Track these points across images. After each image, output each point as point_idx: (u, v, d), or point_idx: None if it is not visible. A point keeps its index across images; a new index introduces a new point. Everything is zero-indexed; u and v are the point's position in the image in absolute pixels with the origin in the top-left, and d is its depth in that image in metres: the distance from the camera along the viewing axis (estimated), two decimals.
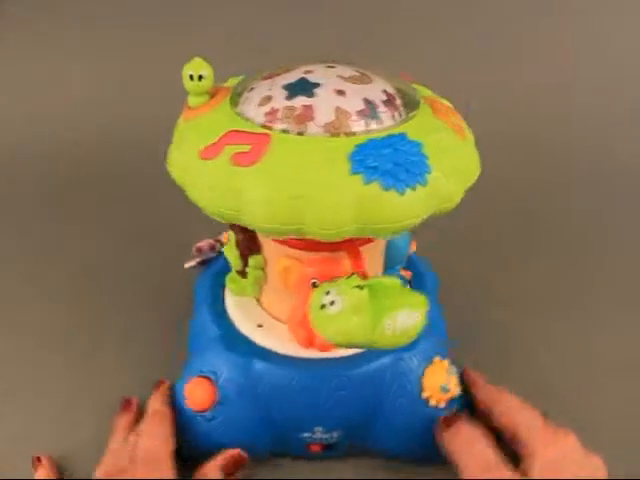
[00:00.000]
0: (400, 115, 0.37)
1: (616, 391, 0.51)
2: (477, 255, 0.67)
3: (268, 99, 0.36)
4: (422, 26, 0.94)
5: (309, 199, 0.32)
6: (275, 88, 0.37)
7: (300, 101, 0.35)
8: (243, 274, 0.45)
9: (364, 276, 0.37)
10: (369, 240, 0.39)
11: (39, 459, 0.44)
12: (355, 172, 0.32)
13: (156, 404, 0.43)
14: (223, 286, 0.48)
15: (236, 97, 0.38)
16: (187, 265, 0.53)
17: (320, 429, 0.42)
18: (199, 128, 0.37)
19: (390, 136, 0.34)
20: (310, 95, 0.35)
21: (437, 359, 0.43)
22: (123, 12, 0.91)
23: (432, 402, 0.42)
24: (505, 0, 0.93)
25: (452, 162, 0.35)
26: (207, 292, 0.49)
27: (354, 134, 0.34)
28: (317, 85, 0.36)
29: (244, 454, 0.42)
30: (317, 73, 0.37)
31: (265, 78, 0.39)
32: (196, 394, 0.42)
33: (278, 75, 0.38)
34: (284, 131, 0.34)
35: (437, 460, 0.41)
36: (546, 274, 0.65)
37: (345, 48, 0.77)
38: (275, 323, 0.45)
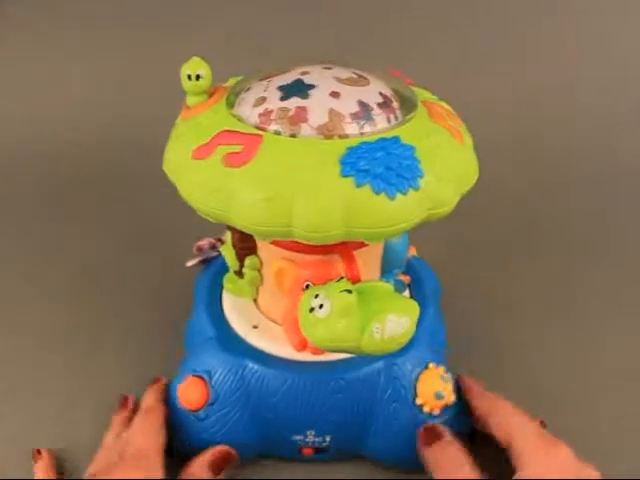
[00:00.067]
0: (396, 118, 0.37)
1: (612, 395, 0.51)
2: (476, 258, 0.66)
3: (263, 100, 0.36)
4: (422, 26, 0.93)
5: (297, 201, 0.31)
6: (270, 89, 0.37)
7: (294, 102, 0.35)
8: (240, 274, 0.45)
9: (356, 280, 0.36)
10: (363, 244, 0.39)
11: (39, 452, 0.44)
12: (346, 175, 0.32)
13: (149, 400, 0.44)
14: (222, 286, 0.48)
15: (233, 97, 0.39)
16: (189, 264, 0.53)
17: (312, 432, 0.42)
18: (194, 128, 0.37)
19: (383, 139, 0.34)
20: (304, 96, 0.35)
21: (432, 365, 0.42)
22: (123, 12, 0.91)
23: (426, 409, 0.42)
24: (506, 0, 0.93)
25: (447, 166, 0.35)
26: (205, 292, 0.49)
27: (347, 136, 0.34)
28: (312, 87, 0.36)
29: (231, 451, 0.42)
30: (313, 74, 0.37)
31: (262, 79, 0.39)
32: (189, 393, 0.42)
33: (274, 76, 0.38)
34: (277, 132, 0.34)
35: None
36: (546, 277, 0.65)
37: (346, 48, 0.77)
38: (271, 325, 0.45)
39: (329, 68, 0.39)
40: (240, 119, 0.36)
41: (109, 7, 0.91)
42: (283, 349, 0.42)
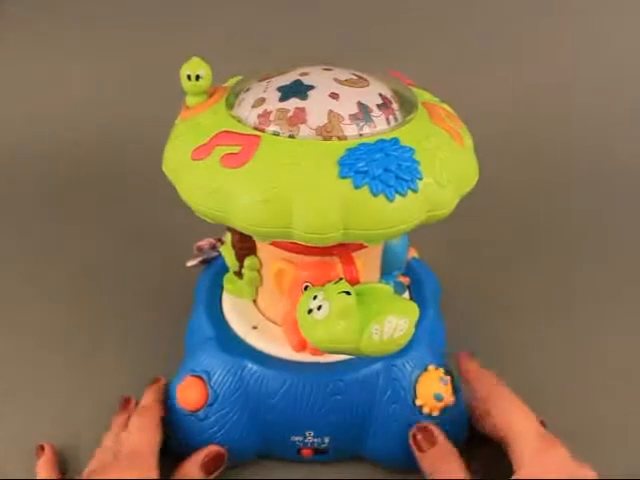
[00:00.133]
0: (396, 119, 0.37)
1: (612, 395, 0.51)
2: (476, 259, 0.67)
3: (262, 101, 0.36)
4: (422, 27, 0.93)
5: (296, 202, 0.31)
6: (270, 90, 0.37)
7: (293, 103, 0.35)
8: (240, 275, 0.45)
9: (355, 281, 0.36)
10: (363, 245, 0.39)
11: (42, 448, 0.44)
12: (344, 176, 0.32)
13: (147, 400, 0.44)
14: (222, 287, 0.48)
15: (232, 98, 0.38)
16: (189, 264, 0.53)
17: (311, 433, 0.42)
18: (194, 128, 0.37)
19: (382, 141, 0.33)
20: (303, 97, 0.35)
21: (431, 367, 0.42)
22: (123, 12, 0.91)
23: (426, 410, 0.42)
24: (505, 0, 0.93)
25: (446, 168, 0.35)
26: (205, 292, 0.49)
27: (346, 138, 0.34)
28: (311, 88, 0.36)
29: (224, 451, 0.42)
30: (312, 75, 0.37)
31: (261, 79, 0.39)
32: (188, 394, 0.42)
33: (274, 76, 0.38)
34: (275, 133, 0.34)
35: None
36: (546, 277, 0.65)
37: (346, 49, 0.77)
38: (270, 325, 0.45)
39: (329, 69, 0.39)
40: (239, 120, 0.36)
41: (109, 7, 0.91)
42: (282, 350, 0.42)
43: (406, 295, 0.49)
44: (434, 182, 0.34)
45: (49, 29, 0.92)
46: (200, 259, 0.53)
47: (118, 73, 0.92)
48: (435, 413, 0.42)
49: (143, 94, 0.89)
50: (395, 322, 0.33)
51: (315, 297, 0.34)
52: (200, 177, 0.34)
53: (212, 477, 0.41)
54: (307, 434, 0.42)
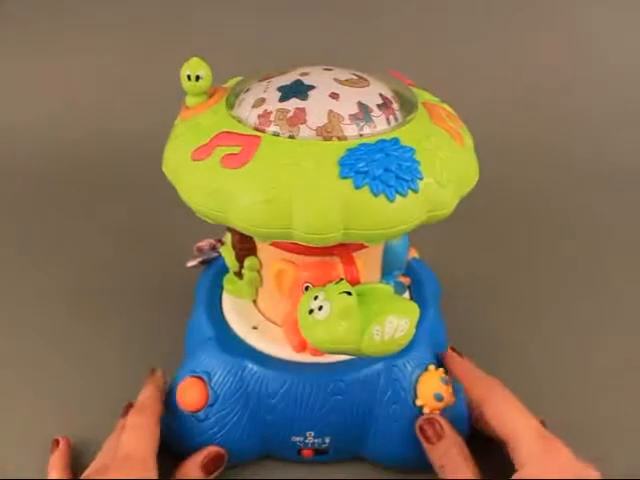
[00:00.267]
0: (396, 119, 0.36)
1: (612, 395, 0.51)
2: (476, 259, 0.67)
3: (262, 101, 0.36)
4: (422, 27, 0.93)
5: (296, 203, 0.31)
6: (270, 90, 0.37)
7: (293, 104, 0.35)
8: (240, 275, 0.45)
9: (356, 281, 0.36)
10: (363, 245, 0.39)
11: (57, 442, 0.44)
12: (345, 177, 0.32)
13: (144, 396, 0.43)
14: (222, 287, 0.48)
15: (232, 98, 0.38)
16: (189, 264, 0.53)
17: (312, 434, 0.42)
18: (194, 128, 0.37)
19: (382, 141, 0.34)
20: (304, 98, 0.35)
21: (432, 367, 0.42)
22: (123, 12, 0.92)
23: (426, 410, 0.41)
24: (505, 1, 0.93)
25: (447, 168, 0.35)
26: (205, 292, 0.49)
27: (346, 138, 0.34)
28: (311, 88, 0.36)
29: (223, 452, 0.42)
30: (313, 75, 0.37)
31: (261, 79, 0.39)
32: (188, 394, 0.42)
33: (274, 77, 0.38)
34: (275, 134, 0.34)
35: (431, 468, 0.41)
36: (546, 277, 0.65)
37: (346, 49, 0.77)
38: (270, 326, 0.45)
39: (329, 69, 0.38)
40: (239, 120, 0.36)
41: (109, 7, 0.91)
42: (283, 350, 0.42)
43: (406, 295, 0.49)
44: (434, 182, 0.34)
45: (49, 29, 0.92)
46: (200, 260, 0.53)
47: (118, 73, 0.92)
48: (436, 413, 0.42)
49: (143, 94, 0.89)
50: (396, 322, 0.33)
51: (316, 297, 0.34)
52: (200, 177, 0.34)
53: (212, 477, 0.41)
54: (307, 434, 0.42)
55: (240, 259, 0.44)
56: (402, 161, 0.33)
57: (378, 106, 0.36)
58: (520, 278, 0.64)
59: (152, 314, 0.58)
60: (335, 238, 0.32)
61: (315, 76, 0.37)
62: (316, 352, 0.40)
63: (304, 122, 0.34)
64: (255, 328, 0.44)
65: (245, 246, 0.43)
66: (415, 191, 0.33)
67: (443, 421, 0.41)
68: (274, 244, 0.40)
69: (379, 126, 0.35)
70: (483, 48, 0.93)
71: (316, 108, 0.35)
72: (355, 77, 0.38)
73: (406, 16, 0.93)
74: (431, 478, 0.41)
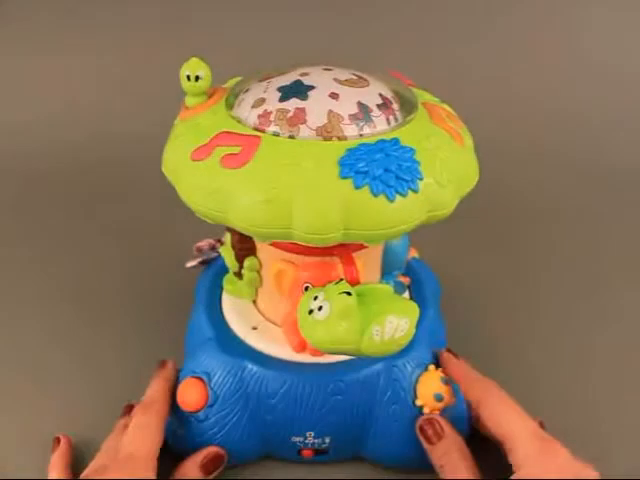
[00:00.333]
0: (396, 119, 0.36)
1: (612, 395, 0.51)
2: (476, 259, 0.66)
3: (262, 101, 0.36)
4: (422, 27, 0.93)
5: (296, 203, 0.31)
6: (270, 90, 0.37)
7: (293, 104, 0.35)
8: (239, 275, 0.45)
9: (356, 282, 0.36)
10: (363, 245, 0.39)
11: (58, 440, 0.44)
12: (344, 177, 0.32)
13: (151, 392, 0.43)
14: (221, 287, 0.48)
15: (232, 98, 0.38)
16: (188, 265, 0.53)
17: (312, 434, 0.42)
18: (193, 128, 0.37)
19: (382, 141, 0.33)
20: (303, 98, 0.35)
21: (432, 367, 0.42)
22: (123, 12, 0.92)
23: (426, 410, 0.41)
24: (505, 1, 0.93)
25: (447, 168, 0.34)
26: (205, 293, 0.49)
27: (346, 138, 0.34)
28: (311, 88, 0.36)
29: (223, 452, 0.42)
30: (313, 76, 0.37)
31: (261, 79, 0.38)
32: (188, 394, 0.42)
33: (274, 77, 0.38)
34: (275, 134, 0.34)
35: (431, 468, 0.41)
36: (546, 277, 0.65)
37: (346, 50, 0.77)
38: (270, 326, 0.45)
39: (329, 69, 0.38)
40: (239, 120, 0.36)
41: (109, 7, 0.91)
42: (282, 350, 0.42)
43: (406, 295, 0.49)
44: (434, 182, 0.33)
45: (49, 29, 0.92)
46: (200, 260, 0.53)
47: (118, 73, 0.92)
48: (435, 413, 0.41)
49: (143, 94, 0.89)
50: (396, 322, 0.33)
51: (315, 298, 0.34)
52: (200, 178, 0.34)
53: (211, 477, 0.41)
54: (307, 435, 0.42)
55: (240, 259, 0.44)
56: (402, 161, 0.33)
57: (378, 106, 0.36)
58: (520, 278, 0.64)
59: (152, 314, 0.58)
60: (335, 238, 0.32)
61: (315, 76, 0.37)
62: (316, 352, 0.40)
63: (304, 122, 0.34)
64: (255, 328, 0.44)
65: (245, 246, 0.43)
66: (415, 191, 0.32)
67: (443, 421, 0.41)
68: (274, 244, 0.40)
69: (379, 126, 0.35)
70: (483, 48, 0.93)
71: (316, 108, 0.35)
72: (355, 77, 0.38)
73: (406, 16, 0.93)
74: (431, 478, 0.41)
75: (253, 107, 0.36)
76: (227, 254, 0.45)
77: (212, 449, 0.41)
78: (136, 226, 0.71)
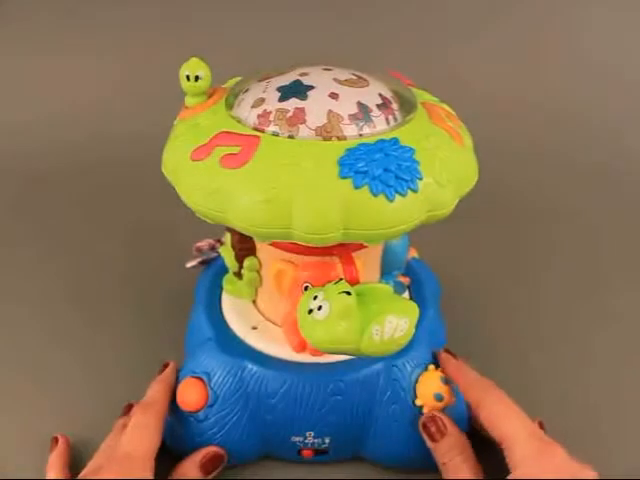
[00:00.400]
0: (395, 119, 0.36)
1: (612, 395, 0.51)
2: (476, 259, 0.67)
3: (261, 101, 0.36)
4: (421, 27, 0.94)
5: (296, 203, 0.31)
6: (269, 90, 0.37)
7: (293, 104, 0.35)
8: (239, 275, 0.45)
9: (355, 281, 0.36)
10: (363, 245, 0.39)
11: (56, 440, 0.44)
12: (344, 176, 0.32)
13: (151, 393, 0.43)
14: (221, 287, 0.48)
15: (232, 98, 0.38)
16: (188, 265, 0.53)
17: (312, 434, 0.42)
18: (193, 128, 0.37)
19: (382, 141, 0.33)
20: (303, 98, 0.35)
21: (431, 367, 0.42)
22: (123, 12, 0.92)
23: (426, 410, 0.41)
24: (505, 2, 0.93)
25: (446, 168, 0.34)
26: (205, 293, 0.49)
27: (346, 138, 0.34)
28: (311, 88, 0.36)
29: (222, 452, 0.42)
30: (312, 76, 0.37)
31: (261, 79, 0.38)
32: (188, 394, 0.42)
33: (274, 77, 0.38)
34: (275, 134, 0.34)
35: (431, 468, 0.41)
36: (546, 277, 0.65)
37: (346, 50, 0.77)
38: (270, 326, 0.45)
39: (328, 69, 0.38)
40: (239, 120, 0.36)
41: (109, 7, 0.91)
42: (282, 350, 0.42)
43: (406, 295, 0.49)
44: (434, 182, 0.33)
45: (49, 29, 0.92)
46: (199, 260, 0.53)
47: (118, 73, 0.92)
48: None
49: (143, 94, 0.90)
50: (395, 322, 0.33)
51: (315, 297, 0.34)
52: (200, 178, 0.34)
53: (210, 477, 0.41)
54: (307, 435, 0.42)
55: (240, 259, 0.44)
56: (401, 161, 0.33)
57: (377, 106, 0.36)
58: (520, 278, 0.64)
59: (152, 314, 0.58)
60: (335, 238, 0.32)
61: (314, 76, 0.37)
62: (316, 352, 0.40)
63: (303, 122, 0.34)
64: (255, 328, 0.44)
65: (245, 246, 0.43)
66: (414, 191, 0.32)
67: (446, 419, 0.41)
68: (274, 244, 0.40)
69: (378, 126, 0.35)
70: (483, 48, 0.93)
71: (315, 108, 0.35)
72: (354, 77, 0.38)
73: (406, 16, 0.93)
74: (431, 478, 0.41)
75: (253, 107, 0.36)
76: (227, 254, 0.45)
77: (211, 449, 0.42)
78: (136, 226, 0.71)
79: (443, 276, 0.53)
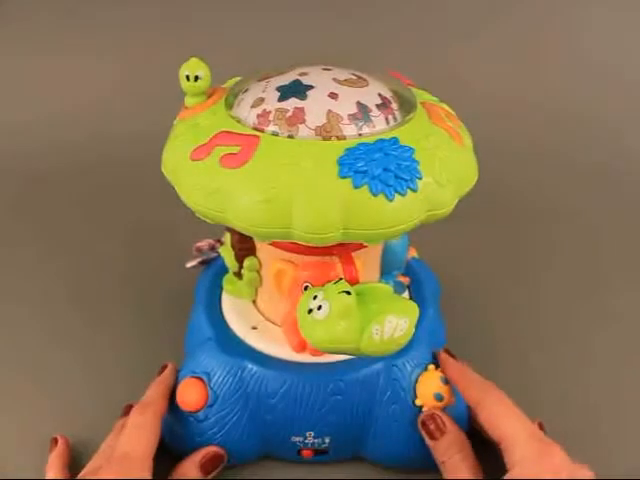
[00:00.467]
0: (395, 119, 0.36)
1: (612, 395, 0.51)
2: (476, 259, 0.67)
3: (261, 101, 0.36)
4: (421, 27, 0.94)
5: (296, 202, 0.31)
6: (269, 90, 0.37)
7: (292, 103, 0.35)
8: (239, 275, 0.45)
9: (355, 281, 0.36)
10: (363, 245, 0.39)
11: (55, 441, 0.44)
12: (344, 176, 0.32)
13: (149, 394, 0.43)
14: (221, 287, 0.48)
15: (232, 98, 0.38)
16: (188, 265, 0.53)
17: (312, 434, 0.42)
18: (193, 128, 0.37)
19: (381, 140, 0.33)
20: (302, 97, 0.35)
21: (431, 366, 0.42)
22: (123, 12, 0.92)
23: (426, 410, 0.41)
24: (505, 2, 0.93)
25: (446, 168, 0.34)
26: (205, 293, 0.49)
27: (345, 138, 0.34)
28: (310, 87, 0.36)
29: (222, 452, 0.42)
30: (312, 75, 0.37)
31: (260, 79, 0.38)
32: (188, 394, 0.42)
33: (273, 77, 0.38)
34: (274, 133, 0.34)
35: (431, 468, 0.41)
36: (546, 277, 0.65)
37: (345, 50, 0.77)
38: (270, 326, 0.45)
39: (328, 69, 0.38)
40: (238, 120, 0.36)
41: (109, 7, 0.91)
42: (282, 350, 0.42)
43: (406, 295, 0.49)
44: (433, 182, 0.33)
45: (49, 29, 0.92)
46: (199, 260, 0.53)
47: (118, 73, 0.92)
48: None
49: (143, 94, 0.90)
50: (395, 322, 0.33)
51: (315, 297, 0.34)
52: (199, 177, 0.34)
53: (210, 477, 0.41)
54: (307, 435, 0.42)
55: (239, 259, 0.44)
56: (401, 160, 0.33)
57: (377, 106, 0.36)
58: (520, 278, 0.64)
59: (152, 314, 0.58)
60: (334, 238, 0.32)
61: (314, 76, 0.37)
62: (316, 352, 0.40)
63: (303, 122, 0.34)
64: (255, 328, 0.44)
65: (244, 246, 0.43)
66: (414, 190, 0.32)
67: (445, 417, 0.41)
68: (273, 244, 0.40)
69: (378, 126, 0.35)
70: (483, 48, 0.93)
71: (315, 108, 0.35)
72: (354, 77, 0.38)
73: (406, 16, 0.93)
74: (431, 478, 0.41)
75: (252, 107, 0.36)
76: (227, 254, 0.45)
77: (211, 449, 0.42)
78: (136, 226, 0.71)
79: (443, 276, 0.53)
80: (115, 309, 0.59)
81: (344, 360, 0.41)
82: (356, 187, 0.32)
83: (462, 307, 0.58)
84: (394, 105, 0.37)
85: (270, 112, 0.35)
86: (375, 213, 0.32)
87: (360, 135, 0.34)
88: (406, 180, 0.32)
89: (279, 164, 0.32)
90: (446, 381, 0.42)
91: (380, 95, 0.37)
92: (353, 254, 0.38)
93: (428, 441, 0.41)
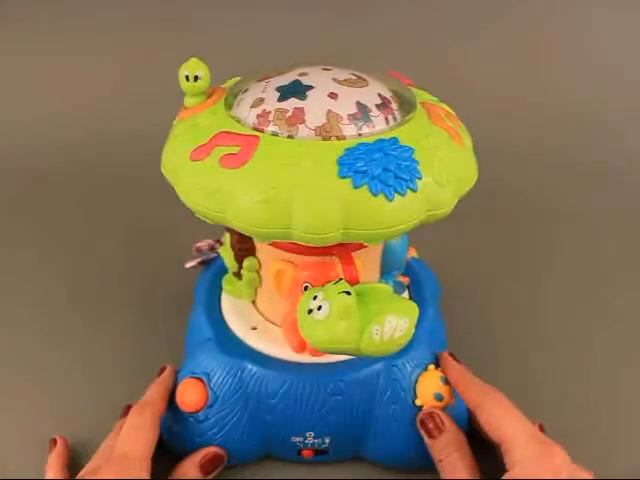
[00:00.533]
0: (394, 119, 0.36)
1: (612, 395, 0.51)
2: (476, 259, 0.67)
3: (261, 101, 0.36)
4: (421, 27, 0.94)
5: (295, 202, 0.31)
6: (268, 90, 0.37)
7: (292, 103, 0.35)
8: (239, 276, 0.45)
9: (355, 281, 0.36)
10: (362, 245, 0.39)
11: (55, 441, 0.44)
12: (343, 176, 0.32)
13: (148, 395, 0.43)
14: (221, 288, 0.48)
15: (231, 98, 0.38)
16: (188, 265, 0.53)
17: (312, 434, 0.42)
18: (192, 129, 0.37)
19: (381, 140, 0.33)
20: (302, 98, 0.35)
21: (431, 367, 0.42)
22: (123, 12, 0.92)
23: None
24: (505, 2, 0.93)
25: (446, 168, 0.34)
26: (204, 293, 0.49)
27: (345, 138, 0.34)
28: (310, 88, 0.36)
29: (222, 452, 0.42)
30: (312, 75, 0.37)
31: (260, 79, 0.38)
32: (188, 395, 0.42)
33: (273, 77, 0.38)
34: (274, 133, 0.34)
35: (431, 468, 0.41)
36: (546, 277, 0.65)
37: (345, 50, 0.77)
38: (269, 326, 0.45)
39: (328, 69, 0.38)
40: (238, 120, 0.36)
41: (109, 7, 0.91)
42: (282, 350, 0.42)
43: (405, 295, 0.49)
44: (433, 182, 0.33)
45: (49, 29, 0.92)
46: (199, 260, 0.53)
47: (118, 73, 0.92)
48: None
49: (143, 94, 0.90)
50: (395, 322, 0.33)
51: (315, 297, 0.34)
52: (199, 178, 0.34)
53: (210, 477, 0.41)
54: (307, 435, 0.42)
55: (239, 259, 0.44)
56: (401, 160, 0.33)
57: (377, 106, 0.36)
58: (520, 278, 0.64)
59: (152, 314, 0.58)
60: (334, 238, 0.32)
61: (314, 76, 0.37)
62: (316, 352, 0.40)
63: (303, 122, 0.34)
64: (254, 328, 0.44)
65: (244, 246, 0.43)
66: (414, 190, 0.32)
67: (444, 415, 0.41)
68: (273, 244, 0.40)
69: (378, 126, 0.35)
70: (483, 48, 0.93)
71: (315, 108, 0.35)
72: (354, 77, 0.38)
73: (406, 16, 0.93)
74: (431, 478, 0.41)
75: (252, 107, 0.36)
76: (226, 254, 0.45)
77: (211, 449, 0.42)
78: (136, 226, 0.71)
79: (443, 276, 0.53)
80: (115, 309, 0.59)
81: (344, 360, 0.41)
82: (356, 187, 0.32)
83: (462, 307, 0.58)
84: (394, 105, 0.37)
85: (270, 112, 0.35)
86: (375, 213, 0.32)
87: (360, 135, 0.34)
88: (406, 180, 0.32)
89: (279, 164, 0.32)
90: (446, 381, 0.42)
91: (380, 95, 0.37)
92: (353, 254, 0.38)
93: (426, 439, 0.41)
